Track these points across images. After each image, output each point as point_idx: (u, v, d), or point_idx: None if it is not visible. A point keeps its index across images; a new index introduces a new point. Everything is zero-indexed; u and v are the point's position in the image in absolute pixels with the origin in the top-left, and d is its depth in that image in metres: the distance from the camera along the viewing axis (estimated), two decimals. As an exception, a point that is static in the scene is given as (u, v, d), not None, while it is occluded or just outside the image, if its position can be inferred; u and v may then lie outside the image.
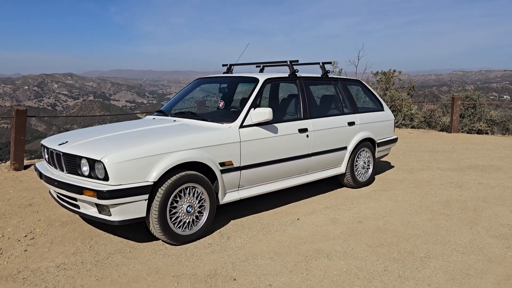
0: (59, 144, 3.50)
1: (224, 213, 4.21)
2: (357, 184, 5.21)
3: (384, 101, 13.56)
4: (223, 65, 5.26)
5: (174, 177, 3.30)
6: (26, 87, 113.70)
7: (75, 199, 3.30)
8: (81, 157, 3.21)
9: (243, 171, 3.84)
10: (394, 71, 14.20)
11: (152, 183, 3.18)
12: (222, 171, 3.66)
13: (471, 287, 2.84)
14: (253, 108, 3.95)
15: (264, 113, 3.85)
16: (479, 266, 3.15)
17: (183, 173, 3.35)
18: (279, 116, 4.48)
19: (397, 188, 5.29)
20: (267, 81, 4.29)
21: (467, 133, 12.16)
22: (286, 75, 4.59)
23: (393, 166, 6.62)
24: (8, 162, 6.36)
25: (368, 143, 5.28)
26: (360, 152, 5.20)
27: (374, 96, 5.69)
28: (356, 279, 2.90)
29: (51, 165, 3.63)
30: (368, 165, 5.37)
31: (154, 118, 4.40)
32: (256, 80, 4.25)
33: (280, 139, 4.12)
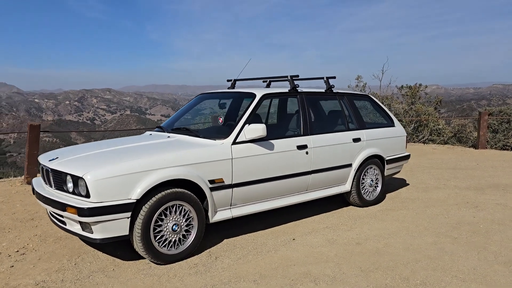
0: (49, 160, 3.53)
1: (218, 232, 4.11)
2: (364, 203, 4.99)
3: (409, 116, 13.19)
4: (228, 80, 5.22)
5: (159, 195, 3.24)
6: (67, 102, 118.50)
7: (62, 216, 3.29)
8: (66, 174, 3.20)
9: (235, 189, 3.74)
10: (420, 85, 13.80)
11: (135, 200, 3.13)
12: (212, 189, 3.57)
13: (465, 320, 2.60)
14: (247, 124, 3.86)
15: (258, 129, 3.75)
16: (479, 296, 2.90)
17: (168, 191, 3.29)
18: (278, 132, 4.37)
19: (406, 207, 5.04)
20: (264, 96, 4.20)
21: (501, 149, 11.58)
22: (286, 90, 4.49)
23: (408, 184, 6.34)
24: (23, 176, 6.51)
25: (376, 160, 5.07)
26: (367, 169, 5.00)
27: (383, 111, 5.48)
28: (340, 307, 2.73)
29: (44, 181, 3.65)
30: (377, 183, 5.15)
31: (151, 134, 4.39)
32: (253, 96, 4.17)
33: (276, 156, 4.00)
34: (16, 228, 4.22)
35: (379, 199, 5.20)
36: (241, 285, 3.01)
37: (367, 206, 5.04)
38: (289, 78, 4.49)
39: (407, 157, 5.62)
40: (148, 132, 4.55)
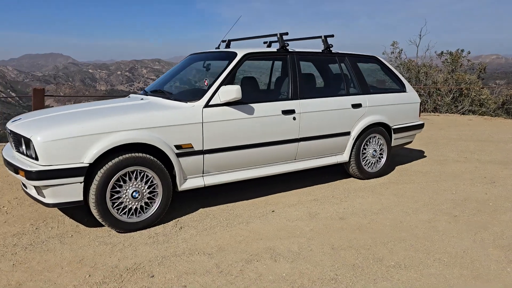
0: (12, 122, 3.41)
1: (197, 200, 3.90)
2: (365, 175, 4.59)
3: (447, 84, 12.21)
4: (222, 41, 4.88)
5: (116, 160, 3.04)
6: (119, 73, 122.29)
7: (23, 179, 3.18)
8: (20, 135, 3.07)
9: (207, 156, 3.48)
10: (462, 51, 12.72)
11: (88, 164, 2.95)
12: (179, 155, 3.33)
13: (431, 310, 2.25)
14: (223, 86, 3.55)
15: (232, 91, 3.43)
16: (458, 283, 2.52)
17: (126, 155, 3.08)
18: (263, 96, 4.04)
19: (413, 181, 4.59)
20: (246, 56, 3.85)
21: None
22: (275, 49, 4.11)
23: (425, 156, 5.83)
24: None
25: (380, 129, 4.62)
26: (370, 138, 4.57)
27: (394, 75, 4.96)
28: (289, 286, 2.44)
29: (10, 143, 3.56)
30: (381, 154, 4.72)
31: (129, 97, 4.18)
32: (233, 55, 3.83)
33: (256, 120, 3.68)
34: (1, 190, 4.21)
35: (384, 171, 4.78)
36: (194, 258, 2.79)
37: (369, 179, 4.65)
38: (278, 36, 4.10)
39: (419, 126, 5.11)
40: (130, 95, 4.35)
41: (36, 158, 2.89)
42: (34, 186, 2.99)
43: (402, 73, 12.85)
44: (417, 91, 12.52)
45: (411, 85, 12.43)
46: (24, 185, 3.27)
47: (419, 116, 5.12)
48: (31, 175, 2.84)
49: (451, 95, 12.24)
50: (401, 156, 5.80)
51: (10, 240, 3.04)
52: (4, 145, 4.05)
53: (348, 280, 2.53)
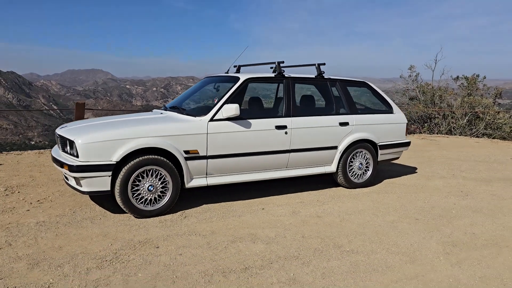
0: (60, 128, 4.35)
1: (202, 198, 4.70)
2: (351, 185, 5.27)
3: (462, 108, 12.61)
4: (234, 66, 5.75)
5: (137, 159, 3.90)
6: (154, 89, 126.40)
7: (65, 173, 4.09)
8: (66, 138, 3.98)
9: (210, 160, 4.29)
10: (478, 75, 13.13)
11: (115, 162, 3.82)
12: (187, 158, 4.15)
13: (364, 281, 2.93)
14: (226, 104, 4.37)
15: (232, 108, 4.25)
16: (394, 265, 3.19)
17: (145, 157, 3.94)
18: (261, 113, 4.83)
19: (393, 192, 5.23)
20: (248, 80, 4.68)
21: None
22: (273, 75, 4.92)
23: (416, 172, 6.43)
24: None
25: (366, 145, 5.31)
26: (357, 153, 5.26)
27: (382, 98, 5.66)
28: (260, 259, 3.19)
29: (57, 145, 4.49)
30: (367, 167, 5.39)
31: (152, 111, 5.08)
32: (237, 79, 4.66)
33: (252, 133, 4.47)
34: (47, 185, 5.16)
35: (370, 182, 5.44)
36: (191, 237, 3.58)
37: (355, 188, 5.32)
38: (276, 64, 4.91)
39: (405, 144, 5.75)
40: (154, 110, 5.24)
41: (77, 156, 3.78)
42: (74, 178, 3.88)
43: (417, 95, 13.37)
44: (431, 113, 13.01)
45: (425, 107, 12.87)
46: (66, 178, 4.17)
47: (406, 135, 5.76)
48: (73, 168, 3.74)
49: (466, 118, 12.64)
50: (393, 171, 6.43)
51: (54, 219, 3.93)
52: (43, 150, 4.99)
53: (307, 258, 3.25)
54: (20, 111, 75.97)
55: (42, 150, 7.49)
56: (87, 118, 7.37)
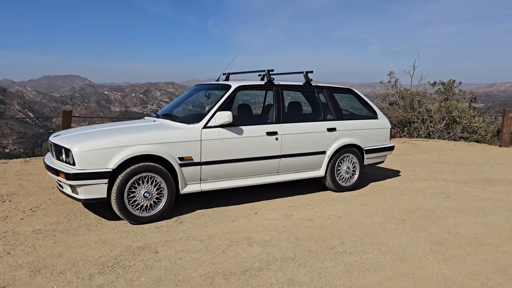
0: (54, 136, 4.37)
1: (197, 204, 4.78)
2: (339, 188, 5.44)
3: (440, 112, 13.03)
4: (223, 74, 5.86)
5: (132, 167, 3.96)
6: (133, 95, 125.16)
7: (60, 181, 4.11)
8: (61, 147, 4.02)
9: (204, 167, 4.38)
10: (454, 81, 13.59)
11: (111, 170, 3.87)
12: (181, 165, 4.24)
13: (359, 280, 3.08)
14: (219, 111, 4.48)
15: (224, 115, 4.36)
16: (386, 264, 3.34)
17: (141, 164, 4.00)
18: (252, 120, 4.95)
19: (380, 194, 5.42)
20: (239, 88, 4.80)
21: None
22: (263, 83, 5.05)
23: (399, 175, 6.65)
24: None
25: (353, 149, 5.49)
26: (344, 157, 5.43)
27: (367, 104, 5.86)
28: (258, 261, 3.30)
29: (51, 153, 4.51)
30: (354, 171, 5.57)
31: (144, 118, 5.14)
32: (228, 87, 4.78)
33: (244, 140, 4.58)
34: (37, 193, 5.15)
35: (357, 185, 5.62)
36: (189, 242, 3.66)
37: (343, 191, 5.48)
38: (266, 72, 5.05)
39: (390, 148, 5.96)
40: (145, 117, 5.31)
41: (73, 164, 3.82)
42: (70, 185, 3.92)
43: (397, 100, 13.74)
44: (410, 118, 13.38)
45: (405, 111, 13.22)
46: (60, 186, 4.19)
47: (390, 139, 5.98)
48: (69, 176, 3.78)
49: (443, 122, 13.05)
50: (378, 174, 6.64)
51: (50, 227, 3.95)
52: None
53: (302, 259, 3.38)
54: (-7, 119, 74.13)
55: (28, 159, 7.42)
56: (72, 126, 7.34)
